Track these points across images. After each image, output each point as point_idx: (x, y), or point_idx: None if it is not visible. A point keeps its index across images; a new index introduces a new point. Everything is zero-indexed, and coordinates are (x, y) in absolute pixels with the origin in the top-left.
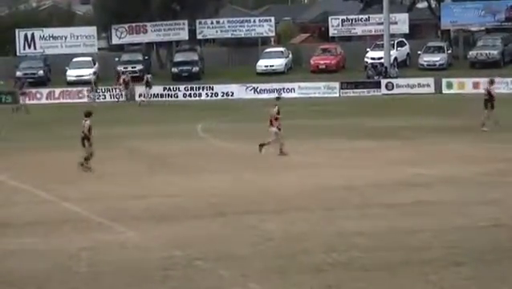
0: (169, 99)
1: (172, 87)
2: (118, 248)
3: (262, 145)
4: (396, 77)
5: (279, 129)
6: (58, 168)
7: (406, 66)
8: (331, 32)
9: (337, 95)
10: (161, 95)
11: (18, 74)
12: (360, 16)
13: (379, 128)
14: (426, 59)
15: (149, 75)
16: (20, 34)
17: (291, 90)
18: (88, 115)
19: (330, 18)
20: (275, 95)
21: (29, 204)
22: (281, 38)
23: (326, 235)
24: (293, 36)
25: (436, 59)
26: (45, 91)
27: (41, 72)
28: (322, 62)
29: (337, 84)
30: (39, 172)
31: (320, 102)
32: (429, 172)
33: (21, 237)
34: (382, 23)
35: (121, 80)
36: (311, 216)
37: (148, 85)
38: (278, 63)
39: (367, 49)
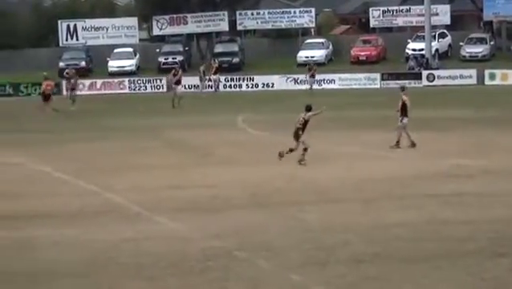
0: (210, 90)
1: (214, 78)
2: (159, 239)
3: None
4: (438, 68)
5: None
6: (100, 159)
7: (448, 57)
8: (372, 23)
9: (378, 86)
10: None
11: (61, 65)
12: (401, 7)
13: (421, 120)
14: (468, 50)
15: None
16: (63, 25)
17: (332, 81)
18: (309, 109)
19: (370, 9)
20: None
21: (72, 195)
22: (321, 30)
23: (366, 226)
24: (333, 27)
25: (479, 50)
26: (87, 82)
27: (83, 63)
28: (362, 53)
29: (378, 75)
30: (82, 163)
31: (361, 93)
32: (471, 163)
33: (64, 228)
34: (423, 14)
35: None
36: (351, 207)
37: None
38: (319, 54)
39: (408, 40)
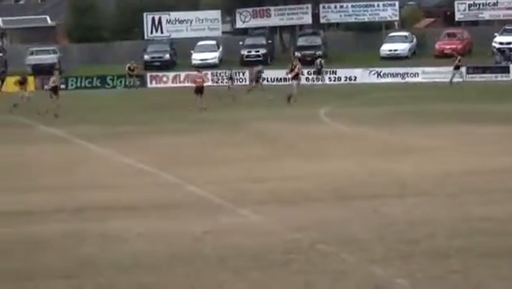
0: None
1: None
2: (241, 231)
3: None
4: None
5: None
6: (183, 152)
7: None
8: (457, 16)
9: (463, 80)
10: (284, 79)
11: (146, 58)
12: (488, 0)
13: (507, 114)
14: None
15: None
16: (148, 18)
17: (415, 74)
18: None
19: (456, 3)
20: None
21: (154, 187)
22: (405, 23)
23: (450, 220)
24: (417, 20)
25: None
26: (171, 74)
27: (167, 56)
28: (447, 46)
29: (463, 69)
30: (165, 156)
31: (445, 86)
32: None
33: (147, 220)
34: (511, 8)
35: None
36: (435, 201)
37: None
38: (402, 47)
39: (495, 34)
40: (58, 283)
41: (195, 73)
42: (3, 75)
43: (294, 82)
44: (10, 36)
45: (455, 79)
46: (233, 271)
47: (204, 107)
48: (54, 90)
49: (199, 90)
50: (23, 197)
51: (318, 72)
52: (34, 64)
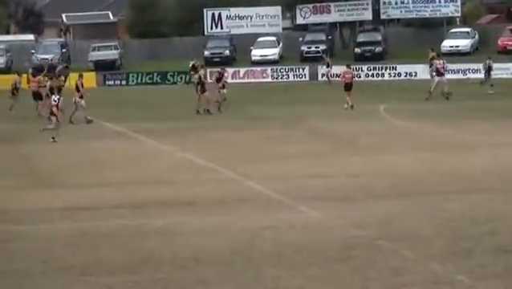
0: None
1: (354, 67)
2: (300, 227)
3: None
4: None
5: None
6: (242, 148)
7: None
8: None
9: None
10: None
11: (206, 53)
12: None
13: None
14: None
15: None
16: (208, 14)
17: (477, 71)
18: None
19: None
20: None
21: (214, 182)
22: (467, 19)
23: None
24: (480, 16)
25: None
26: (230, 70)
27: (227, 52)
28: (510, 42)
29: None
30: (224, 151)
31: (508, 83)
32: None
33: (207, 215)
34: None
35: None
36: (497, 197)
37: None
38: (464, 43)
39: None
40: (120, 278)
41: (345, 69)
42: (66, 70)
43: (439, 78)
44: (72, 32)
45: None
46: (292, 267)
47: (350, 104)
48: (202, 85)
49: (348, 86)
50: (86, 192)
51: (488, 73)
52: (96, 60)
